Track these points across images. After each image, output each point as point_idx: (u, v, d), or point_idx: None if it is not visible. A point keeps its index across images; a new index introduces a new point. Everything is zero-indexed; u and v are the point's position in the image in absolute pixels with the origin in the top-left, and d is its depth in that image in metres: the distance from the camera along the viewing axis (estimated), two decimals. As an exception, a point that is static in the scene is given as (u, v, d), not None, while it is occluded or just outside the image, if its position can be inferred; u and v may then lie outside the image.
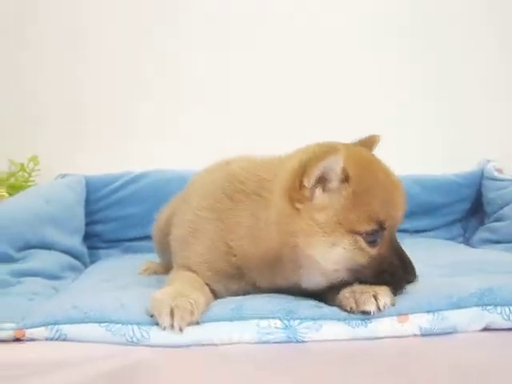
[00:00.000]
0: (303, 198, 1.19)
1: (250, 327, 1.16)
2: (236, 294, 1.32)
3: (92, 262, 2.05)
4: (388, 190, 1.23)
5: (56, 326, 1.14)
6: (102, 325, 1.15)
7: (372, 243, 1.20)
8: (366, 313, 1.16)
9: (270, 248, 1.24)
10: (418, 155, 2.34)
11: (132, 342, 1.14)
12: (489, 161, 2.23)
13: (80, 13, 2.36)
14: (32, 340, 1.14)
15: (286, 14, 2.45)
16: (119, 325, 1.15)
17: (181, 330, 1.13)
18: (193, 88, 2.41)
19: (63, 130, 2.32)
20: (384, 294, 1.17)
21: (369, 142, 1.38)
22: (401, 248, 1.26)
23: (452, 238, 2.24)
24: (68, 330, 1.15)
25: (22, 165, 2.02)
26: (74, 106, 2.35)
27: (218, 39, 2.42)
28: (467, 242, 2.21)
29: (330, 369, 1.05)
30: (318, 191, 1.20)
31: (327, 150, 1.17)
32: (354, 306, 1.17)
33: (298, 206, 1.19)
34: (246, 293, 1.32)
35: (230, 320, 1.17)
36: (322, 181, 1.19)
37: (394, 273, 1.22)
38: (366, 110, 2.41)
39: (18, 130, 2.25)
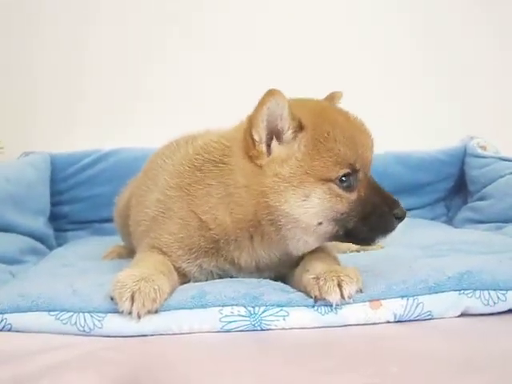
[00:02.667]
0: (260, 154, 1.15)
1: (212, 315, 1.08)
2: (211, 274, 1.26)
3: (59, 244, 1.97)
4: (350, 131, 1.18)
5: (1, 316, 1.06)
6: (51, 313, 1.08)
7: (348, 188, 1.15)
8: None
9: (245, 213, 1.18)
10: (400, 131, 2.25)
11: (84, 331, 1.06)
12: (472, 137, 2.15)
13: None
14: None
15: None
16: (70, 313, 1.07)
17: (139, 317, 1.05)
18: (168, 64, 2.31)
19: (25, 107, 2.22)
20: (349, 281, 1.09)
21: (330, 98, 1.33)
22: (380, 187, 1.21)
23: (435, 218, 2.17)
24: (14, 319, 1.07)
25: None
26: (38, 82, 2.24)
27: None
28: (450, 221, 2.15)
29: (296, 359, 0.98)
30: (274, 144, 1.16)
31: (265, 96, 1.12)
32: (317, 293, 1.09)
33: (258, 162, 1.15)
34: (222, 272, 1.26)
35: (191, 308, 1.09)
36: (275, 132, 1.15)
37: (381, 213, 1.17)
38: (348, 85, 2.32)
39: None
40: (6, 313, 1.07)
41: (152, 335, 1.07)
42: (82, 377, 0.85)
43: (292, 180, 1.13)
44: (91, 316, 1.07)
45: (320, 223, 1.15)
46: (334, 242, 1.55)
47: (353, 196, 1.16)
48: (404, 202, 2.08)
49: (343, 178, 1.14)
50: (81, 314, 1.07)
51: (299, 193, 1.13)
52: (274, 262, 1.24)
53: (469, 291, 1.12)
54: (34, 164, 1.89)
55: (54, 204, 1.99)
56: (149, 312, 1.06)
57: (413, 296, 1.11)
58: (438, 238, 1.69)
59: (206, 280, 1.25)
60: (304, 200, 1.13)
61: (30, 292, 1.12)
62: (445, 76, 2.36)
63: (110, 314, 1.07)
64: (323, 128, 1.15)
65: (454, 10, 2.39)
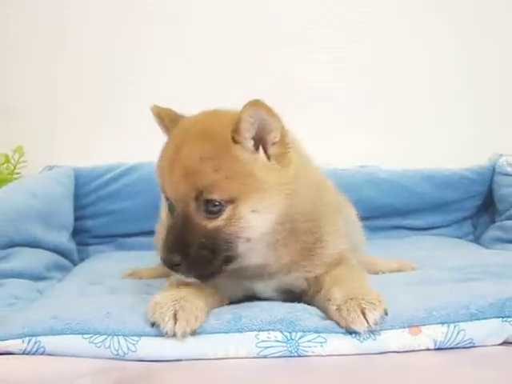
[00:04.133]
0: None
1: (248, 340, 1.06)
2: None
3: (82, 259, 1.94)
4: (163, 159, 1.19)
5: (34, 338, 1.04)
6: (85, 336, 1.05)
7: (171, 210, 1.17)
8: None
9: None
10: (427, 149, 2.22)
11: (118, 355, 1.04)
12: (501, 155, 2.11)
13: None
14: (7, 354, 1.04)
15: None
16: (104, 336, 1.05)
17: (183, 336, 1.03)
18: (186, 76, 2.29)
19: (49, 119, 2.21)
20: (373, 307, 1.05)
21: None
22: (174, 226, 1.13)
23: (462, 236, 2.13)
24: (47, 342, 1.05)
25: (7, 156, 1.91)
26: (58, 95, 2.23)
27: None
28: (477, 240, 2.10)
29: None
30: None
31: None
32: (344, 324, 1.06)
33: None
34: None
35: (226, 332, 1.07)
36: None
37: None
38: (372, 102, 2.30)
39: (2, 120, 2.15)
40: (39, 335, 1.04)
41: (186, 360, 1.05)
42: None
43: None
44: (125, 339, 1.05)
45: None
46: (367, 261, 1.55)
47: (169, 220, 1.17)
48: (430, 220, 2.11)
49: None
50: (115, 337, 1.05)
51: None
52: None
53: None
54: (59, 179, 1.87)
55: (76, 218, 1.96)
56: (192, 331, 1.04)
57: (454, 322, 1.08)
58: (470, 259, 1.65)
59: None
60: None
61: (63, 314, 1.09)
62: (470, 93, 2.32)
63: (143, 338, 1.05)
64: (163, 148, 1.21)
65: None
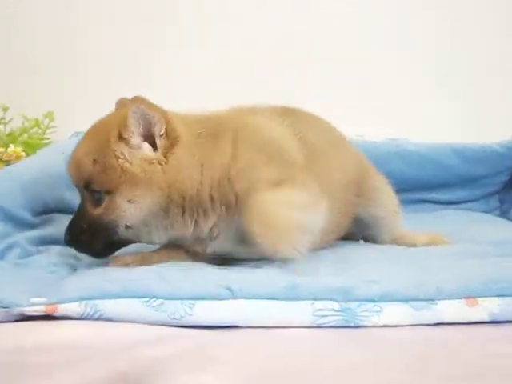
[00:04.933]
0: None
1: (304, 309, 1.05)
2: None
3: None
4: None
5: (91, 301, 1.03)
6: (142, 300, 1.04)
7: None
8: None
9: None
10: (455, 123, 2.21)
11: (174, 318, 1.03)
12: (531, 129, 2.10)
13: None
14: (63, 318, 1.02)
15: None
16: (161, 300, 1.04)
17: None
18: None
19: (78, 84, 2.19)
20: None
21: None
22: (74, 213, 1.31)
23: (488, 211, 2.13)
24: (105, 305, 1.03)
25: (37, 120, 1.88)
26: (89, 62, 2.21)
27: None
28: (504, 215, 2.10)
29: (389, 357, 0.94)
30: None
31: None
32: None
33: None
34: None
35: (283, 299, 1.06)
36: None
37: None
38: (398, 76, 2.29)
39: (32, 84, 2.13)
40: (96, 299, 1.03)
41: (240, 327, 1.04)
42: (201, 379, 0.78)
43: None
44: (181, 303, 1.04)
45: None
46: (401, 234, 1.56)
47: None
48: (457, 194, 2.10)
49: None
50: (171, 300, 1.04)
51: None
52: None
53: None
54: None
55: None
56: None
57: (510, 296, 1.08)
58: (503, 234, 1.65)
59: None
60: None
61: (118, 278, 1.09)
62: (499, 66, 2.31)
63: (199, 302, 1.04)
64: None
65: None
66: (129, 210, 1.24)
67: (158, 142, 1.26)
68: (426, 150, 2.08)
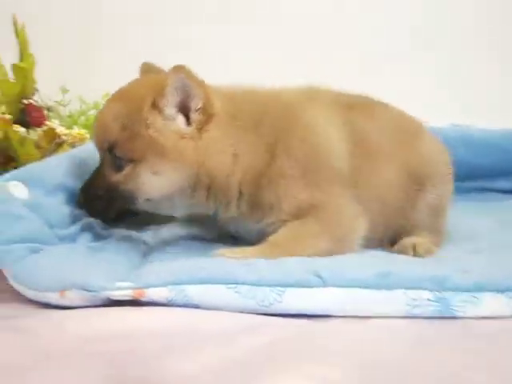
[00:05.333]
0: None
1: (397, 298, 1.01)
2: None
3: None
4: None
5: (179, 286, 1.00)
6: (229, 286, 1.01)
7: None
8: None
9: None
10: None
11: (263, 305, 1.00)
12: None
13: None
14: (151, 305, 1.00)
15: None
16: (248, 286, 1.01)
17: None
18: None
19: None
20: None
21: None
22: (94, 170, 1.27)
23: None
24: (192, 291, 1.00)
25: (96, 103, 1.86)
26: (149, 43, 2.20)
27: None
28: None
29: (489, 350, 0.89)
30: None
31: None
32: None
33: None
34: None
35: (375, 288, 1.02)
36: None
37: None
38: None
39: (92, 68, 2.13)
40: (184, 284, 1.00)
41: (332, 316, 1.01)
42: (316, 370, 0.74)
43: None
44: (270, 290, 1.01)
45: None
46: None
47: None
48: None
49: None
50: (260, 287, 1.01)
51: None
52: None
53: None
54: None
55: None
56: None
57: None
58: None
59: None
60: None
61: (205, 264, 1.05)
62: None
63: (289, 289, 1.01)
64: None
65: None
66: (151, 182, 1.19)
67: (194, 116, 1.21)
68: (491, 137, 2.02)
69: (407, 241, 1.40)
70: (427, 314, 1.01)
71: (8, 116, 1.42)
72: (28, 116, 1.52)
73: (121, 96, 1.23)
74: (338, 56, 2.28)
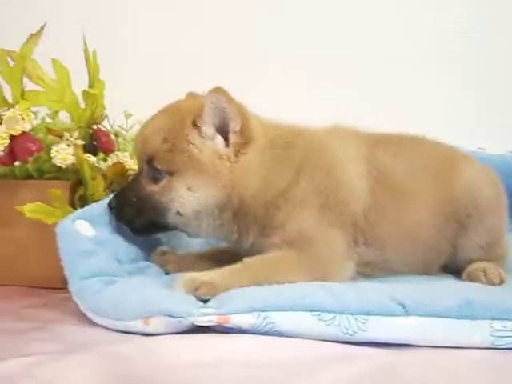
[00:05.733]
0: None
1: (482, 328, 1.01)
2: None
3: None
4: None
5: (263, 313, 1.00)
6: (313, 314, 1.01)
7: None
8: None
9: None
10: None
11: (347, 333, 1.00)
12: None
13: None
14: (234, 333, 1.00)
15: None
16: (332, 314, 1.01)
17: None
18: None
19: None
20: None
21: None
22: (132, 178, 1.34)
23: None
24: (276, 318, 1.01)
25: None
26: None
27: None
28: None
29: None
30: None
31: None
32: None
33: None
34: None
35: (458, 318, 1.01)
36: None
37: None
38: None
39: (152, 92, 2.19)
40: (268, 310, 1.01)
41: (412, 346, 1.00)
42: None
43: None
44: (355, 318, 1.01)
45: None
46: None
47: None
48: None
49: None
50: (343, 315, 1.01)
51: None
52: None
53: None
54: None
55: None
56: None
57: None
58: None
59: None
60: None
61: (285, 291, 1.05)
62: None
63: (372, 317, 1.01)
64: None
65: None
66: (185, 196, 1.22)
67: (232, 138, 1.24)
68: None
69: (476, 267, 1.39)
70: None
71: (80, 142, 1.44)
72: (98, 141, 1.54)
73: (164, 112, 1.28)
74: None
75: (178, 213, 1.24)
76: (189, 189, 1.22)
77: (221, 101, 1.19)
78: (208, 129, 1.23)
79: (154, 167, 1.24)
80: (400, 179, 1.39)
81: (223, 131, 1.23)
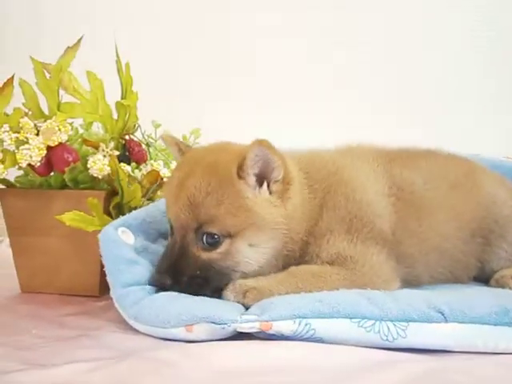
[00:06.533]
0: None
1: (518, 334, 1.03)
2: None
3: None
4: (170, 187, 1.24)
5: (304, 320, 1.03)
6: (353, 320, 1.03)
7: (170, 235, 1.24)
8: None
9: None
10: None
11: (387, 340, 1.02)
12: None
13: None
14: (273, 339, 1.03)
15: None
16: (372, 321, 1.03)
17: None
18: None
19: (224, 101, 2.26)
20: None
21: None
22: (172, 251, 1.19)
23: None
24: (317, 324, 1.03)
25: (185, 137, 1.92)
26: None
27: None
28: None
29: None
30: None
31: None
32: None
33: None
34: None
35: (495, 324, 1.03)
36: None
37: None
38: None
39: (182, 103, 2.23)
40: (309, 317, 1.03)
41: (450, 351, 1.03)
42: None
43: None
44: (394, 325, 1.03)
45: None
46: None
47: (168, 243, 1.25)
48: None
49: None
50: (383, 322, 1.03)
51: None
52: None
53: None
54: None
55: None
56: None
57: None
58: None
59: None
60: None
61: (326, 298, 1.08)
62: None
63: (411, 324, 1.03)
64: (171, 175, 1.30)
65: None
66: (250, 255, 1.17)
67: (274, 186, 1.20)
68: None
69: (504, 274, 1.41)
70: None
71: (116, 152, 1.47)
72: (130, 151, 1.57)
73: (203, 172, 1.18)
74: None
75: (243, 273, 1.18)
76: (251, 246, 1.17)
77: (265, 153, 1.16)
78: (252, 180, 1.18)
79: (207, 233, 1.16)
80: (419, 192, 1.40)
81: (262, 179, 1.20)
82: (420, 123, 2.32)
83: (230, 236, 1.15)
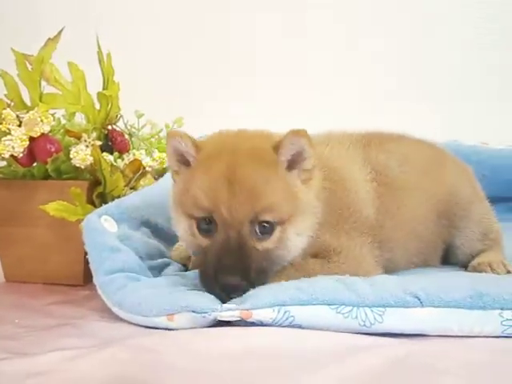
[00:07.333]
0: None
1: (492, 318, 1.05)
2: None
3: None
4: (214, 179, 1.14)
5: (284, 308, 1.05)
6: (331, 307, 1.05)
7: (205, 232, 1.16)
8: None
9: None
10: None
11: (364, 325, 1.05)
12: None
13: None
14: (255, 325, 1.05)
15: None
16: (350, 307, 1.05)
17: None
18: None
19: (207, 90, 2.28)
20: None
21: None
22: (229, 249, 1.12)
23: None
24: (296, 312, 1.05)
25: (167, 125, 1.93)
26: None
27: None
28: None
29: None
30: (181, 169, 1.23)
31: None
32: None
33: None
34: None
35: (470, 308, 1.06)
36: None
37: (208, 274, 1.13)
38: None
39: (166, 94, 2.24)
40: (288, 305, 1.05)
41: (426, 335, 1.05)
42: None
43: (172, 205, 1.24)
44: (371, 310, 1.05)
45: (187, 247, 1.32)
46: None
47: (205, 241, 1.15)
48: None
49: (202, 221, 1.16)
50: (360, 308, 1.05)
51: (174, 218, 1.24)
52: None
53: None
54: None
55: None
56: None
57: None
58: None
59: None
60: (175, 225, 1.24)
61: (304, 286, 1.10)
62: None
63: (388, 309, 1.05)
64: (201, 169, 1.17)
65: None
66: (297, 243, 1.19)
67: (303, 174, 1.20)
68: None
69: (481, 261, 1.44)
70: (523, 333, 1.04)
71: (98, 142, 1.48)
72: (113, 142, 1.58)
73: (247, 161, 1.15)
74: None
75: (289, 261, 1.20)
76: (297, 234, 1.18)
77: (301, 143, 1.16)
78: (284, 164, 1.19)
79: (262, 222, 1.14)
80: (394, 175, 1.43)
81: (291, 167, 1.20)
82: (424, 112, 2.34)
83: (281, 223, 1.16)
